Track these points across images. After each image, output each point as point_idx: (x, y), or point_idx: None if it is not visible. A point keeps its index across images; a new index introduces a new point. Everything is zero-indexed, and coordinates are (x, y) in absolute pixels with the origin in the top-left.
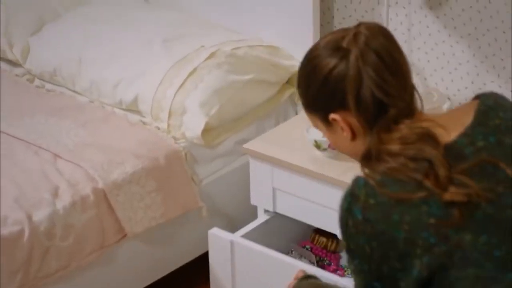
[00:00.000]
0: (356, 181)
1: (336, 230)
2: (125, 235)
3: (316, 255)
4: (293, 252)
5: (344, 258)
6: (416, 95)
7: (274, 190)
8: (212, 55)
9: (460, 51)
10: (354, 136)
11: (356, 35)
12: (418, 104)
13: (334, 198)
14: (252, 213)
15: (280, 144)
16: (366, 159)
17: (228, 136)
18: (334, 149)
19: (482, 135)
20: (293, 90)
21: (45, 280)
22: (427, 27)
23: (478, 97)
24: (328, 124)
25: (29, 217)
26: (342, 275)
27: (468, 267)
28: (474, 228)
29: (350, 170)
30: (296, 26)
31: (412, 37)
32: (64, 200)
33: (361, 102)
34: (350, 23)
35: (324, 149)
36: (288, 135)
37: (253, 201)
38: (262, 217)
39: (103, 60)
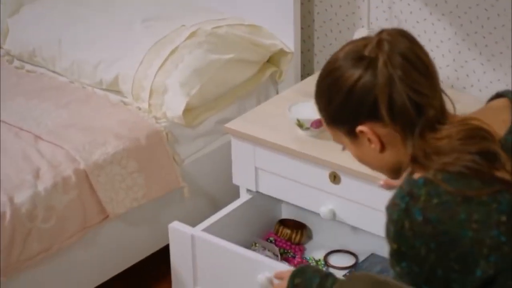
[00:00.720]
0: (413, 180)
1: (318, 209)
2: (107, 216)
3: (280, 248)
4: (257, 244)
5: (308, 250)
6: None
7: (256, 169)
8: (192, 35)
9: (442, 28)
10: (383, 147)
11: (379, 42)
12: (449, 106)
13: (316, 177)
14: (234, 192)
15: (262, 123)
16: (415, 162)
17: (209, 115)
18: (316, 128)
19: None
20: (274, 69)
21: (27, 262)
22: (408, 4)
23: (500, 95)
24: (353, 137)
25: (11, 200)
26: None
27: None
28: None
29: (332, 149)
30: (277, 5)
31: (393, 15)
32: (45, 181)
33: (394, 109)
34: None
35: (307, 128)
36: (270, 115)
37: (235, 181)
38: (244, 197)
39: (84, 40)
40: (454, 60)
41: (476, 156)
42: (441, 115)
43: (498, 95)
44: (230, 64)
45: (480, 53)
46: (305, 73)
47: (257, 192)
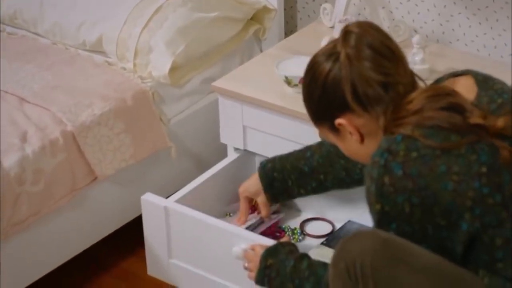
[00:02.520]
0: (391, 137)
1: None
2: (95, 178)
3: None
4: (231, 215)
5: (283, 218)
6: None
7: (244, 128)
8: None
9: None
10: (362, 138)
11: (345, 36)
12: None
13: (306, 134)
14: (221, 151)
15: (249, 81)
16: (387, 132)
17: (195, 74)
18: None
19: (496, 95)
20: (257, 27)
21: (16, 227)
22: None
23: (457, 74)
24: (336, 131)
25: None
26: (282, 237)
27: None
28: None
29: None
30: None
31: None
32: (33, 144)
33: (362, 97)
34: None
35: (295, 85)
36: (256, 73)
37: (223, 140)
38: (232, 155)
39: (65, 1)
40: (439, 14)
41: (445, 110)
42: (412, 89)
43: (456, 74)
44: (214, 22)
45: (466, 7)
46: (288, 30)
47: (245, 150)
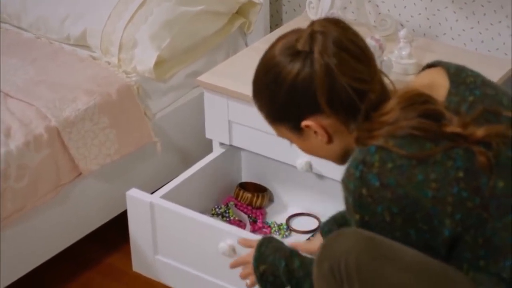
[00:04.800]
0: (365, 149)
1: (295, 161)
2: (80, 174)
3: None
4: (217, 210)
5: (270, 214)
6: (385, 79)
7: (229, 123)
8: None
9: None
10: (330, 138)
11: (312, 34)
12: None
13: None
14: (207, 146)
15: (235, 76)
16: (359, 143)
17: (180, 69)
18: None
19: (468, 91)
20: (242, 20)
21: (1, 223)
22: None
23: (430, 66)
24: (298, 131)
25: None
26: (268, 233)
27: (505, 216)
28: (504, 174)
29: None
30: None
31: None
32: (17, 140)
33: (334, 99)
34: None
35: None
36: (241, 67)
37: (208, 135)
38: (217, 150)
39: None
40: (426, 8)
41: (420, 118)
42: (382, 96)
43: (429, 66)
44: (199, 16)
45: (453, 1)
46: (273, 24)
47: (231, 145)
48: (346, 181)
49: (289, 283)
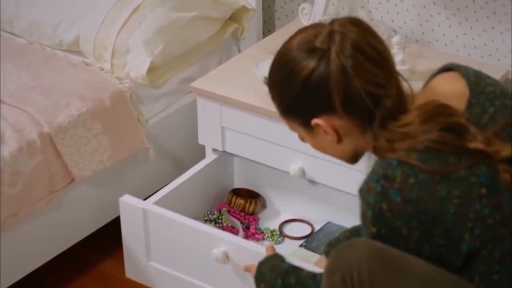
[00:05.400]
0: (386, 162)
1: (288, 167)
2: (73, 180)
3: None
4: (210, 216)
5: (263, 220)
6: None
7: (223, 129)
8: None
9: None
10: (339, 139)
11: (331, 34)
12: (407, 88)
13: (285, 135)
14: (200, 152)
15: (228, 81)
16: (377, 152)
17: (172, 75)
18: None
19: (488, 102)
20: (235, 26)
21: None
22: None
23: (447, 69)
24: (309, 128)
25: None
26: (261, 239)
27: None
28: None
29: None
30: None
31: None
32: (10, 146)
33: (349, 101)
34: None
35: None
36: (235, 73)
37: (201, 141)
38: (210, 156)
39: (42, 0)
40: (419, 14)
41: (442, 131)
42: (399, 103)
43: (444, 69)
44: (192, 22)
45: (445, 7)
46: (265, 30)
47: (224, 151)
48: (365, 195)
49: None
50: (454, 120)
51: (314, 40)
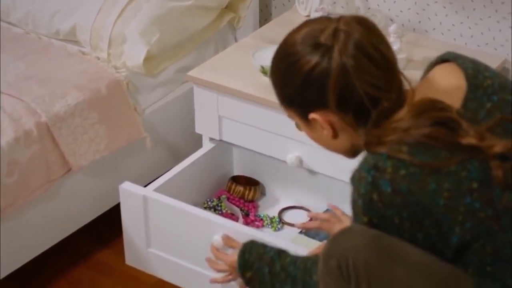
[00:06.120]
0: (377, 154)
1: (285, 157)
2: (70, 169)
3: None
4: (209, 204)
5: (262, 208)
6: (404, 81)
7: (220, 118)
8: None
9: None
10: (335, 134)
11: (336, 31)
12: (407, 86)
13: (282, 124)
14: (196, 141)
15: (225, 71)
16: (368, 147)
17: (169, 64)
18: None
19: (485, 97)
20: (232, 15)
21: None
22: None
23: (444, 60)
24: (306, 121)
25: None
26: (261, 226)
27: None
28: None
29: None
30: None
31: None
32: (7, 135)
33: (344, 100)
34: None
35: None
36: (232, 62)
37: (198, 130)
38: (209, 145)
39: None
40: (415, 3)
41: (434, 126)
42: (397, 104)
43: (442, 59)
44: (188, 11)
45: None
46: (262, 19)
47: (220, 140)
48: (357, 184)
49: (273, 287)
50: (445, 115)
51: (319, 36)
